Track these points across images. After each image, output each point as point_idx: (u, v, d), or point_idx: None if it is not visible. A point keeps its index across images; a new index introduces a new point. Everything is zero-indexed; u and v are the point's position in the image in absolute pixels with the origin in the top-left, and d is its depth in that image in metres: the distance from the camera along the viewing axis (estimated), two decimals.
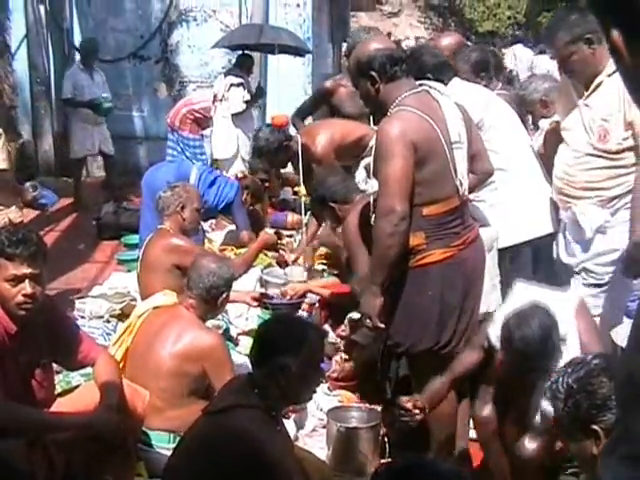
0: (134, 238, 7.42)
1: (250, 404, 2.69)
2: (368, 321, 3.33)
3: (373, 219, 3.26)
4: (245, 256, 5.13)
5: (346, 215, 4.30)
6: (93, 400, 3.11)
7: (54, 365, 3.45)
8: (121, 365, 3.73)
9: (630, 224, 3.58)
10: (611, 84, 3.55)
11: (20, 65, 10.61)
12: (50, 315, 3.24)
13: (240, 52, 8.81)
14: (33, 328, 3.10)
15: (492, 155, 3.83)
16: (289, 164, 6.38)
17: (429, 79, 3.85)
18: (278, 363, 2.69)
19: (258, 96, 8.72)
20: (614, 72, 3.47)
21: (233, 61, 9.12)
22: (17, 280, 2.96)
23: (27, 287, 2.96)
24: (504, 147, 4.06)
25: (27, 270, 2.96)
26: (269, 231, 5.32)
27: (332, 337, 4.78)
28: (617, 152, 3.64)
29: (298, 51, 9.40)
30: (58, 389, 3.67)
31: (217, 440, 2.65)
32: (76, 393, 3.41)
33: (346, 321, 4.58)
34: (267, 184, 7.61)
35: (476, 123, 3.86)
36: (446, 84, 3.96)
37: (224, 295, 3.85)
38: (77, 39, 10.92)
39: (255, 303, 4.97)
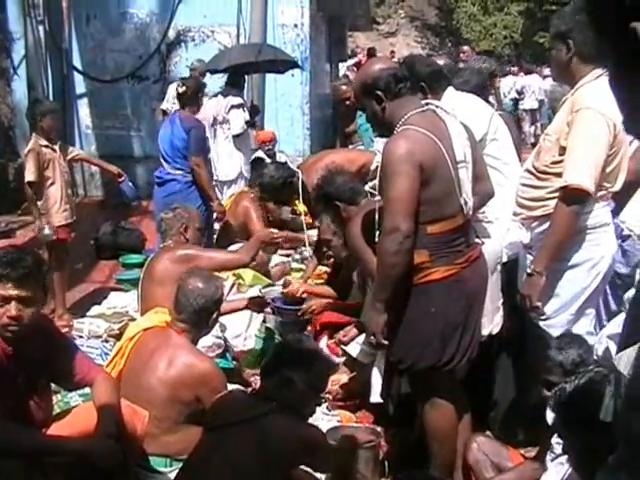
0: (132, 258, 7.44)
1: (278, 409, 2.92)
2: (372, 338, 3.34)
3: (378, 235, 3.26)
4: (245, 247, 5.07)
5: (349, 216, 4.27)
6: (90, 422, 3.09)
7: (53, 385, 3.43)
8: None
9: (536, 255, 3.53)
10: (568, 103, 3.50)
11: (19, 85, 10.65)
12: (48, 336, 3.21)
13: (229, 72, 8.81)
14: (31, 349, 3.08)
15: (490, 170, 3.84)
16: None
17: (423, 88, 3.88)
18: (286, 375, 2.96)
19: (254, 115, 8.75)
20: (575, 91, 3.44)
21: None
22: (4, 301, 2.92)
23: (12, 309, 2.92)
24: (502, 162, 4.05)
25: (14, 292, 2.92)
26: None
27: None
28: (543, 173, 3.56)
29: (283, 68, 9.45)
30: (56, 409, 3.64)
31: (270, 441, 2.85)
32: (73, 415, 3.37)
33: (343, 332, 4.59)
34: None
35: (481, 136, 3.86)
36: (440, 92, 3.97)
37: (214, 315, 3.80)
38: (76, 60, 10.98)
39: (256, 308, 5.00)
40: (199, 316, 3.71)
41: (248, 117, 8.40)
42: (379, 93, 3.33)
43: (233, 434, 2.90)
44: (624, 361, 1.03)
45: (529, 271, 3.52)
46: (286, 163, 6.46)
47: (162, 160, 6.84)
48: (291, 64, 9.47)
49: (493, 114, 4.10)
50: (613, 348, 2.81)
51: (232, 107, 8.32)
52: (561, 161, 3.45)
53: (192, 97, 6.93)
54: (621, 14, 0.95)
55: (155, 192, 6.98)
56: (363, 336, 4.21)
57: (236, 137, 8.34)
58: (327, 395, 4.53)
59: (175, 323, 3.73)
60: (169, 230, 4.80)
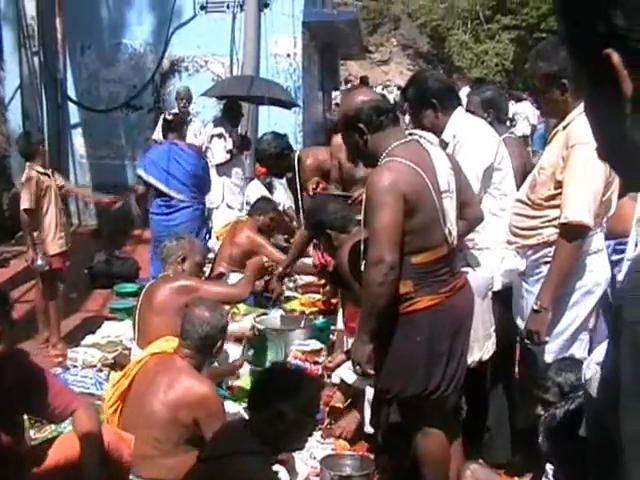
0: (126, 287, 7.44)
1: (252, 450, 2.78)
2: (358, 368, 3.35)
3: (363, 266, 3.28)
4: (243, 280, 5.12)
5: (340, 244, 4.29)
6: (72, 450, 3.09)
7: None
8: (114, 408, 3.76)
9: (541, 291, 3.53)
10: (561, 137, 3.52)
11: (14, 115, 10.72)
12: (24, 371, 3.17)
13: (225, 100, 8.89)
14: (4, 384, 3.04)
15: (489, 198, 3.88)
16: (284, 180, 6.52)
17: (433, 104, 3.91)
18: (276, 409, 2.83)
19: (244, 145, 8.77)
20: (568, 124, 3.46)
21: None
22: None
23: None
24: (501, 193, 4.06)
25: None
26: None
27: None
28: (539, 205, 3.59)
29: (286, 104, 9.52)
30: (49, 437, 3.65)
31: None
32: (57, 444, 3.36)
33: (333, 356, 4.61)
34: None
35: (489, 163, 3.88)
36: (451, 111, 3.98)
37: (219, 344, 3.87)
38: (71, 90, 11.06)
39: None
40: (204, 343, 3.78)
41: (230, 146, 8.44)
42: (361, 126, 3.35)
43: (202, 470, 2.85)
44: (593, 385, 1.04)
45: (535, 307, 3.52)
46: (285, 136, 6.48)
47: (173, 191, 6.84)
48: (290, 104, 9.57)
49: (500, 142, 4.13)
50: None
51: (213, 136, 8.41)
52: (557, 194, 3.48)
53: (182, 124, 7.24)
54: (596, 40, 0.96)
55: (159, 221, 6.88)
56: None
57: (219, 166, 8.40)
58: (331, 428, 4.53)
59: (181, 349, 3.79)
60: (168, 258, 4.86)
